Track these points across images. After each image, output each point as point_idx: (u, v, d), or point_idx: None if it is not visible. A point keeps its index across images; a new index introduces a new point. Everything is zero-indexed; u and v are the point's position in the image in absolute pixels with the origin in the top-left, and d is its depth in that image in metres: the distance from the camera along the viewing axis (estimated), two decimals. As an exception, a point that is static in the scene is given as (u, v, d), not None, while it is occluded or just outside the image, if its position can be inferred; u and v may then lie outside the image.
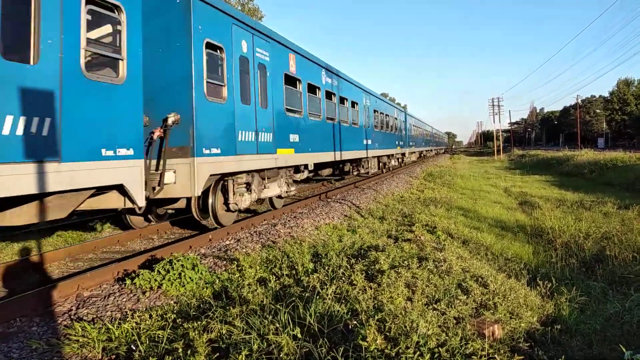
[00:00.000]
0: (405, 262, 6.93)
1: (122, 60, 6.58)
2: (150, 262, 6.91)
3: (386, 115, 27.54)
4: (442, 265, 6.96)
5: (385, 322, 4.58)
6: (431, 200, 16.19)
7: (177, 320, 4.91)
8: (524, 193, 21.04)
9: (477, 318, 5.23)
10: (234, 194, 9.81)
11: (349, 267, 6.73)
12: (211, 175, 8.66)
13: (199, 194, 8.33)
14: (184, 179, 8.09)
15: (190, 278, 6.04)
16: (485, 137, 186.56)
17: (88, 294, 5.85)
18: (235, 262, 7.04)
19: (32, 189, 5.24)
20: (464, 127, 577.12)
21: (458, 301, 5.58)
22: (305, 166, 13.71)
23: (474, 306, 5.67)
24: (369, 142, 22.25)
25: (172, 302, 5.64)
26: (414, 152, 42.52)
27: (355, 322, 4.56)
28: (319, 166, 17.42)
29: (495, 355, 4.08)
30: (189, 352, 4.04)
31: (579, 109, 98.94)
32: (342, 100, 18.05)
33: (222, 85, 9.03)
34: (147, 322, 4.83)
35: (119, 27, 6.64)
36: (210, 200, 9.37)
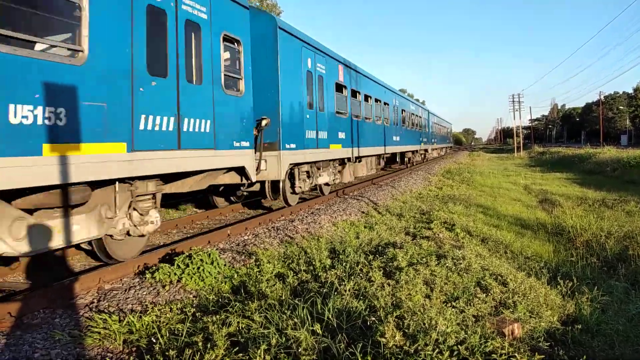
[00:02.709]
0: (424, 259, 6.89)
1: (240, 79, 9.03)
2: (170, 256, 6.99)
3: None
4: (460, 263, 6.91)
5: (404, 319, 4.57)
6: (450, 197, 16.05)
7: (197, 314, 4.96)
8: (544, 191, 20.71)
9: (496, 316, 5.18)
10: (298, 180, 12.12)
11: (366, 263, 6.72)
12: (290, 164, 11.22)
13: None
14: (274, 166, 10.71)
15: (209, 272, 6.09)
16: (505, 134, 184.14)
17: (109, 287, 5.94)
18: (254, 257, 7.09)
19: (201, 166, 7.75)
20: (483, 124, 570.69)
21: (477, 299, 5.54)
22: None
23: (493, 305, 5.62)
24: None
25: (191, 296, 5.71)
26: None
27: (373, 319, 4.55)
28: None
29: (515, 354, 4.04)
30: (208, 345, 4.08)
31: (601, 105, 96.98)
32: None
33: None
34: (167, 315, 4.90)
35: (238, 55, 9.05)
36: (281, 185, 11.61)
